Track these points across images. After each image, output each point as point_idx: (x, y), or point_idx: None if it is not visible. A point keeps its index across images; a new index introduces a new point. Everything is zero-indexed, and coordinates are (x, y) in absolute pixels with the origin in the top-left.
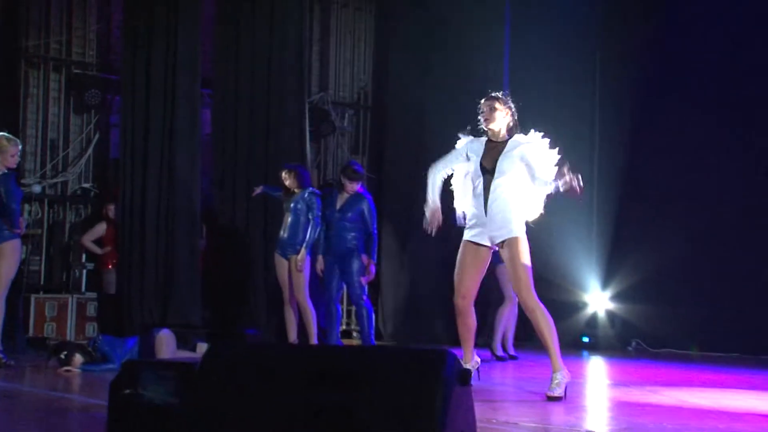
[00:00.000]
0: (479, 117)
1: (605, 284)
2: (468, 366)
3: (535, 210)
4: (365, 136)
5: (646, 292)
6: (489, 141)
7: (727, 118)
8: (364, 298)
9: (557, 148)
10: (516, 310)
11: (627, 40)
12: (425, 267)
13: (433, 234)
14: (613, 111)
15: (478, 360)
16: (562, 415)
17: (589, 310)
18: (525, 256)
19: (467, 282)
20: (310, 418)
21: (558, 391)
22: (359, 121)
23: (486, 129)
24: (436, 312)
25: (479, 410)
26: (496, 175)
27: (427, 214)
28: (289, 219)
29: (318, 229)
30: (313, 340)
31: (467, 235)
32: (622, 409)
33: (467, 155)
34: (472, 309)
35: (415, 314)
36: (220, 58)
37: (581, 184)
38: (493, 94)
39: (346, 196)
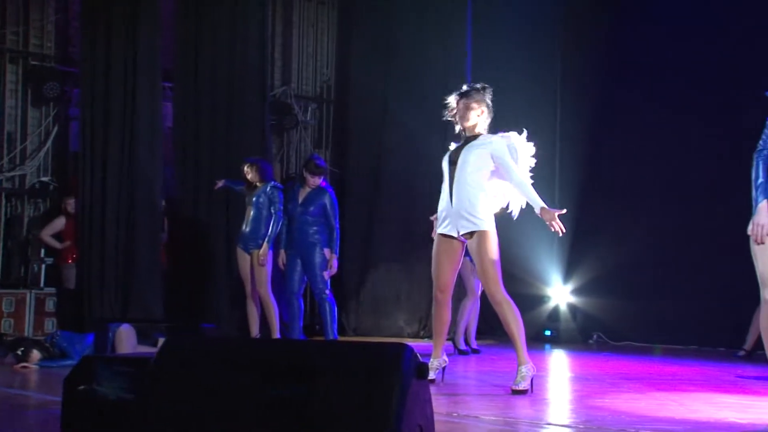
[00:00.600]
0: (449, 114)
1: (567, 278)
2: (436, 361)
3: (505, 200)
4: (328, 129)
5: (607, 286)
6: (464, 140)
7: (688, 113)
8: (327, 292)
9: (532, 143)
10: (478, 304)
11: (588, 37)
12: (389, 261)
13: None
14: (575, 106)
15: (446, 359)
16: (522, 408)
17: (551, 304)
18: (493, 250)
19: (444, 275)
20: (266, 411)
21: (523, 385)
22: (322, 114)
23: (461, 127)
24: (399, 306)
25: (441, 404)
26: (459, 164)
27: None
28: (251, 213)
29: (280, 223)
30: (276, 334)
31: (439, 228)
32: (582, 402)
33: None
34: (449, 303)
35: (378, 309)
36: (181, 51)
37: (563, 228)
38: (468, 90)
39: (308, 190)
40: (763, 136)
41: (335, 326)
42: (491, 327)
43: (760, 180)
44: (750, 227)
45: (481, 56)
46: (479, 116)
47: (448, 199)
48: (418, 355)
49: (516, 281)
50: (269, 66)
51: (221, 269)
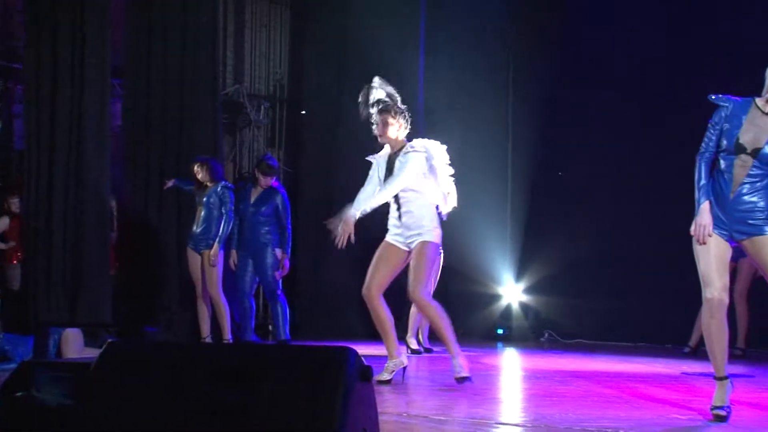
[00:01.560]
0: (372, 128)
1: (519, 277)
2: (392, 362)
3: (448, 203)
4: (281, 129)
5: (559, 285)
6: (390, 154)
7: (638, 113)
8: (279, 293)
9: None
10: None
11: (540, 34)
12: (342, 261)
13: (340, 246)
14: (527, 105)
15: (404, 360)
16: (472, 407)
17: (503, 303)
18: (430, 259)
19: (377, 277)
20: (209, 416)
21: (463, 372)
22: (275, 114)
23: (380, 142)
24: (353, 307)
25: (392, 404)
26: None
27: (339, 222)
28: (201, 213)
29: (231, 224)
30: (227, 335)
31: (388, 236)
32: (531, 401)
33: (377, 175)
34: (382, 302)
35: (332, 309)
36: (131, 48)
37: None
38: (384, 107)
39: (260, 190)
40: (705, 139)
41: (287, 326)
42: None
43: (703, 182)
44: (692, 228)
45: (434, 57)
46: (398, 130)
47: (397, 216)
48: (362, 358)
49: (468, 280)
50: (221, 64)
51: (172, 270)
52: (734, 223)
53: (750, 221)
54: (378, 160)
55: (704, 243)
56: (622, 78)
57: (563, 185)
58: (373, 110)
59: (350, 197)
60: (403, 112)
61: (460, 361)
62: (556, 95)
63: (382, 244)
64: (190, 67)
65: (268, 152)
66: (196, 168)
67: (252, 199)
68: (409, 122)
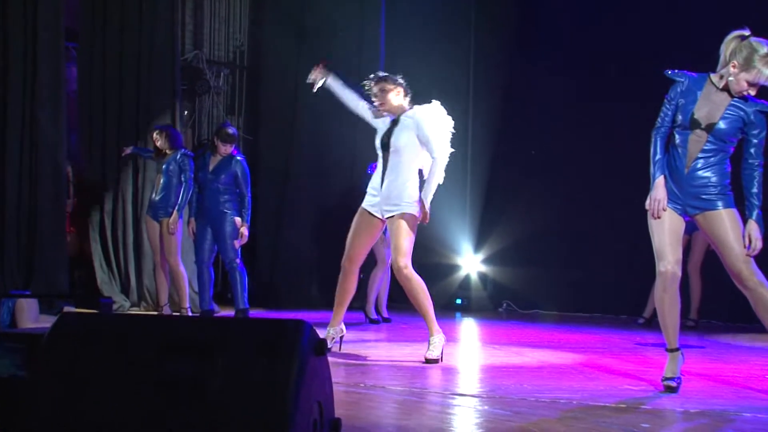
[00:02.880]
0: (373, 100)
1: (478, 247)
2: (333, 329)
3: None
4: (241, 95)
5: (517, 256)
6: (392, 121)
7: (597, 88)
8: (238, 261)
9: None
10: (389, 273)
11: (499, 14)
12: (301, 230)
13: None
14: (487, 78)
15: (343, 329)
16: (430, 378)
17: (462, 273)
18: (410, 229)
19: (357, 247)
20: (161, 389)
21: (435, 353)
22: (235, 80)
23: (383, 111)
24: (312, 275)
25: (348, 374)
26: (391, 152)
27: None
28: (161, 181)
29: (191, 192)
30: (186, 303)
31: (365, 203)
32: (488, 372)
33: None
34: (357, 274)
35: (291, 278)
36: (86, 11)
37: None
38: (380, 75)
39: (219, 158)
40: (661, 114)
41: (246, 295)
42: (402, 296)
43: (658, 156)
44: (647, 202)
45: (396, 24)
46: (397, 96)
47: (380, 181)
48: (317, 331)
49: (428, 251)
50: (180, 29)
51: (129, 238)
52: (688, 198)
53: (703, 196)
54: (380, 118)
55: (659, 217)
56: (582, 52)
57: (522, 158)
58: (370, 84)
59: (310, 165)
60: (399, 82)
61: (437, 341)
62: (516, 68)
63: (359, 211)
64: (148, 32)
65: (228, 119)
66: (155, 135)
67: (211, 167)
68: (409, 92)
